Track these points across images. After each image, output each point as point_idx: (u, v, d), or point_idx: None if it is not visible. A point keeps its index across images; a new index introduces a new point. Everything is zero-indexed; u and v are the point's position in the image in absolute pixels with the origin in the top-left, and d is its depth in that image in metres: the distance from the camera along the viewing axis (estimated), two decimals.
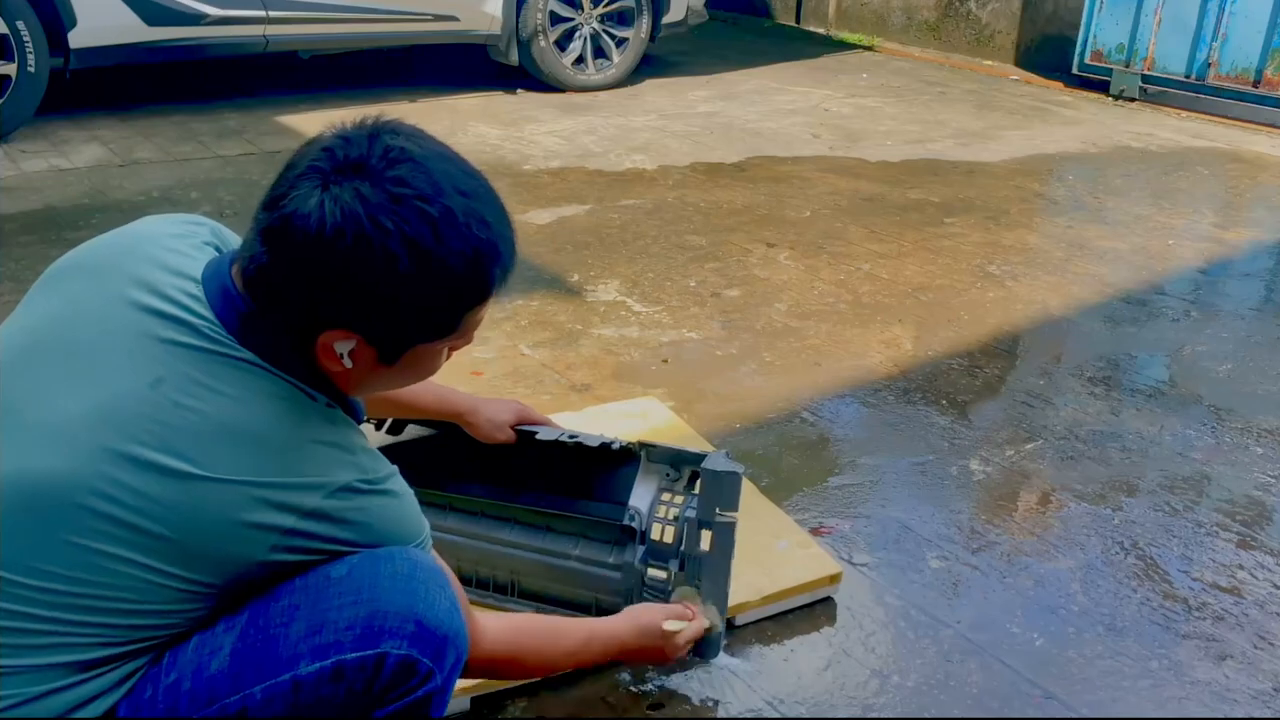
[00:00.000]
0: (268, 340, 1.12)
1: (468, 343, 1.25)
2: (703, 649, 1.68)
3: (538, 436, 1.80)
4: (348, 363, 1.14)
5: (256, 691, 1.09)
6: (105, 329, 1.13)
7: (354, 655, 1.09)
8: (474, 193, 1.12)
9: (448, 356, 1.25)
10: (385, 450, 1.89)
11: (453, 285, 1.12)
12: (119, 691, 1.10)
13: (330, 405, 1.17)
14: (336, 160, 1.07)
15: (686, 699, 1.69)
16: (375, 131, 1.11)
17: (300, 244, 1.06)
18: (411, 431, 1.92)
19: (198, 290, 1.14)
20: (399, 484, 1.20)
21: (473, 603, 1.34)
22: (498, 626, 1.35)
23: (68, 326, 1.15)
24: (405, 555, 1.16)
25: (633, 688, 1.68)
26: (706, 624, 1.63)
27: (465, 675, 1.29)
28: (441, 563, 1.25)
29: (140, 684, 1.10)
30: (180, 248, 1.20)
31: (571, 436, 1.79)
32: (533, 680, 1.66)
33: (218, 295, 1.13)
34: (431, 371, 1.25)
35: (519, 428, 1.81)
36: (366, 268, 1.06)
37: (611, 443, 1.75)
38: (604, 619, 1.58)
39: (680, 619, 1.58)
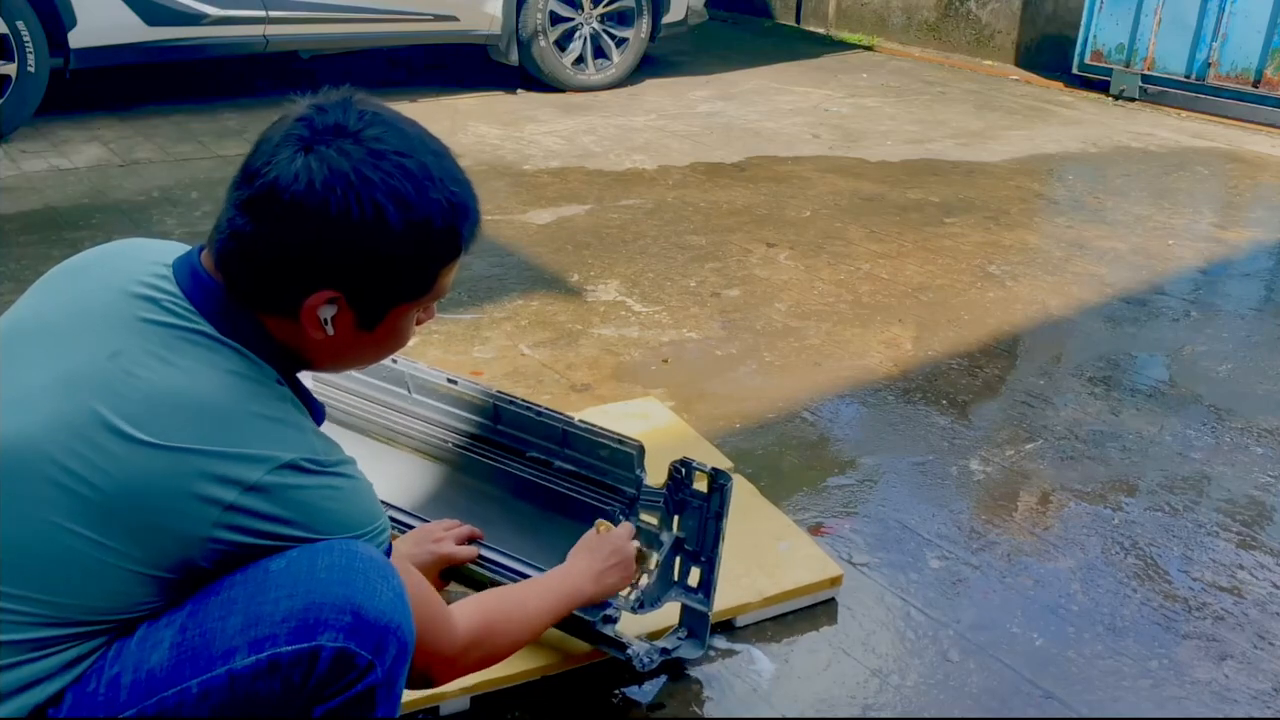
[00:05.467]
0: (232, 316, 1.15)
1: (430, 317, 1.30)
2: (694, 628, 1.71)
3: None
4: (330, 329, 1.16)
5: (193, 685, 1.08)
6: (78, 310, 1.17)
7: (289, 649, 1.08)
8: (442, 152, 1.19)
9: (414, 329, 1.29)
10: None
11: (431, 238, 1.16)
12: (67, 676, 1.09)
13: (280, 383, 1.18)
14: (315, 127, 1.12)
15: (687, 699, 1.69)
16: (346, 100, 1.16)
17: (288, 204, 1.10)
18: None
19: (167, 271, 1.18)
20: (353, 471, 1.19)
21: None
22: (463, 609, 1.37)
23: (46, 313, 1.19)
24: (345, 546, 1.14)
25: (634, 687, 1.68)
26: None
27: (457, 673, 1.34)
28: (409, 568, 1.25)
29: (87, 674, 1.10)
30: (157, 246, 1.25)
31: (583, 422, 1.82)
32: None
33: (185, 274, 1.17)
34: (403, 342, 1.27)
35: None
36: (356, 220, 1.10)
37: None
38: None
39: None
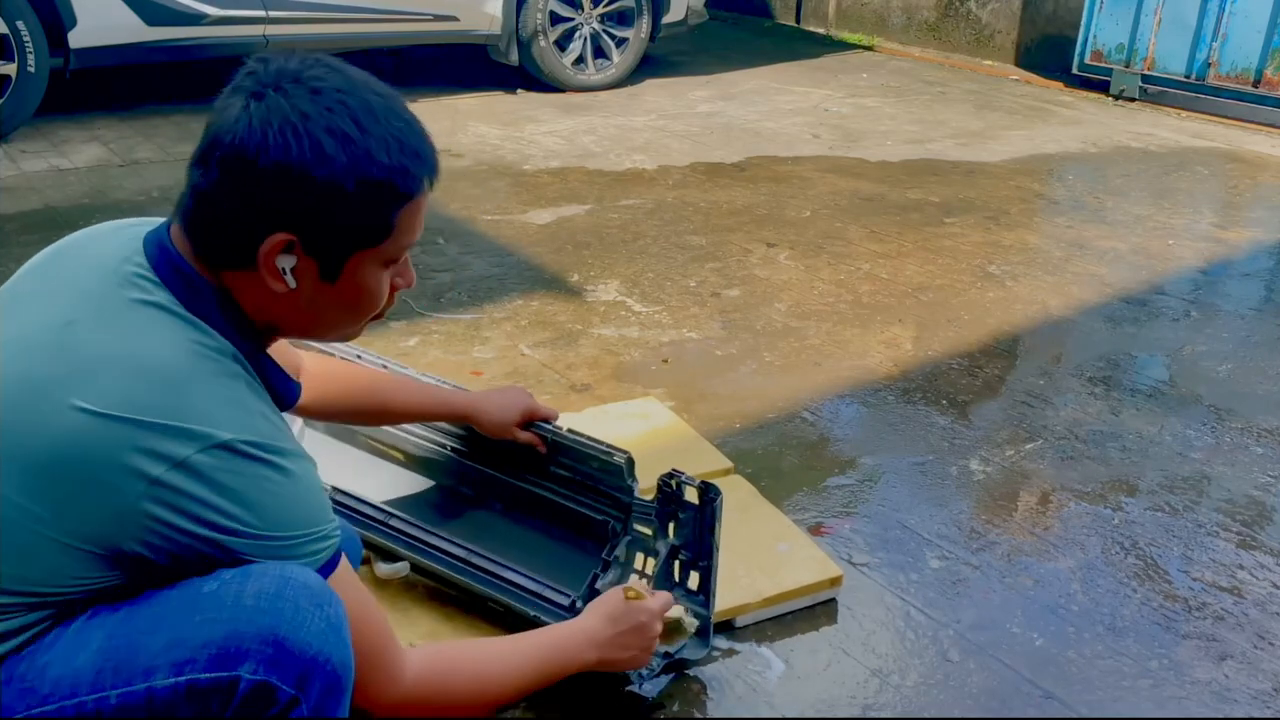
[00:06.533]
0: (194, 286, 1.14)
1: (407, 283, 1.26)
2: (686, 645, 1.69)
3: (546, 436, 1.83)
4: (291, 281, 1.14)
5: (112, 696, 1.06)
6: (49, 283, 1.17)
7: (207, 676, 1.05)
8: (388, 95, 1.17)
9: (391, 296, 1.24)
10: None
11: (375, 174, 1.13)
12: (7, 645, 1.08)
13: (237, 359, 1.15)
14: (259, 77, 1.12)
15: (687, 699, 1.69)
16: (292, 52, 1.16)
17: (231, 147, 1.09)
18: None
19: (138, 245, 1.17)
20: (299, 465, 1.13)
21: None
22: (417, 652, 1.27)
23: (20, 287, 1.20)
24: (279, 571, 1.09)
25: (634, 687, 1.68)
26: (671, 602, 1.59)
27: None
28: (362, 590, 1.20)
29: (25, 653, 1.09)
30: (136, 223, 1.24)
31: (571, 432, 1.81)
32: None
33: (154, 246, 1.16)
34: (375, 298, 1.21)
35: (531, 427, 1.84)
36: (295, 158, 1.09)
37: (609, 452, 1.77)
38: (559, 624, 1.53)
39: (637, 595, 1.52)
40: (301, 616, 1.08)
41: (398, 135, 1.14)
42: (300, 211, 1.11)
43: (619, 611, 1.49)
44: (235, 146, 1.09)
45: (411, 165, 1.15)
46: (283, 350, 1.61)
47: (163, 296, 1.12)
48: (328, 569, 1.16)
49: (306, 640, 1.08)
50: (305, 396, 1.67)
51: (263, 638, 1.07)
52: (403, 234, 1.18)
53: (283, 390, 1.23)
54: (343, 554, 1.19)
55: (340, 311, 1.21)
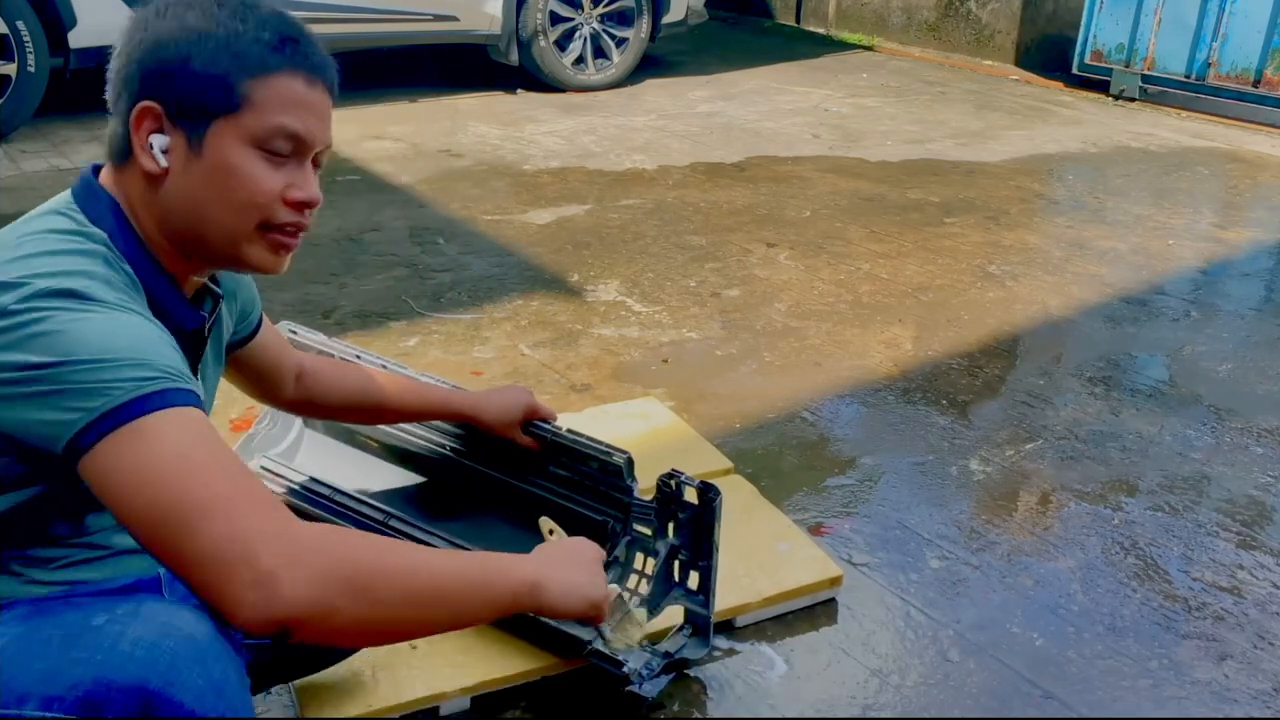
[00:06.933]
0: (93, 196, 1.17)
1: (306, 195, 1.20)
2: (688, 644, 1.70)
3: (547, 437, 1.83)
4: (162, 161, 1.15)
5: None
6: None
7: (72, 718, 0.99)
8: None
9: (296, 210, 1.19)
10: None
11: (222, 34, 1.15)
12: None
13: (108, 245, 1.12)
14: None
15: (687, 699, 1.69)
16: None
17: (118, 40, 1.18)
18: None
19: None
20: (131, 315, 1.06)
21: None
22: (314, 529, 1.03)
23: None
24: (165, 618, 1.03)
25: (634, 686, 1.68)
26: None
27: (280, 585, 0.95)
28: (195, 432, 1.01)
29: None
30: None
31: (571, 433, 1.81)
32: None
33: (79, 179, 1.22)
34: (249, 184, 1.16)
35: (530, 426, 1.85)
36: (149, 25, 1.15)
37: (609, 454, 1.77)
38: None
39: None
40: (177, 671, 1.00)
41: (258, 13, 1.16)
42: (153, 71, 1.14)
43: (548, 541, 1.45)
44: (121, 36, 1.17)
45: (267, 36, 1.15)
46: (282, 349, 1.61)
47: (75, 213, 1.16)
48: (152, 402, 1.00)
49: (179, 699, 1.00)
50: (303, 393, 1.67)
51: (129, 690, 0.99)
52: (265, 110, 1.15)
53: (171, 309, 1.19)
54: (194, 408, 1.02)
55: (214, 199, 1.16)
